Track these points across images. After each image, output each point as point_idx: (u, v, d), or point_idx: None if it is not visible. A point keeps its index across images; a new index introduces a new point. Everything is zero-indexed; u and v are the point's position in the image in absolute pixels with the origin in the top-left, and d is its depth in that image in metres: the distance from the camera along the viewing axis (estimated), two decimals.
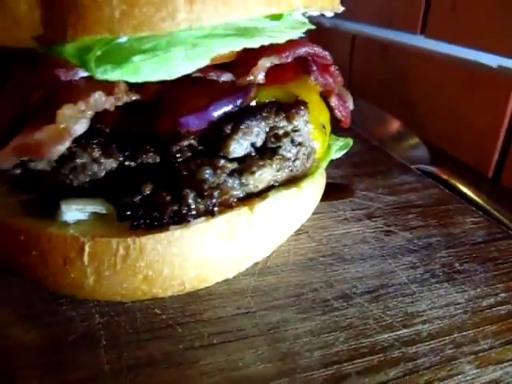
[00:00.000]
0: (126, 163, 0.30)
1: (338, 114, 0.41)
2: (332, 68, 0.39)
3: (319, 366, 0.28)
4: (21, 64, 0.32)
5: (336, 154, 0.41)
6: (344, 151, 0.42)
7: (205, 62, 0.28)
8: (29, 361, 0.28)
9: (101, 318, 0.31)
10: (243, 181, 0.32)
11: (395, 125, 0.67)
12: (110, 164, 0.30)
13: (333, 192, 0.44)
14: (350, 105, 0.43)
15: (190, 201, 0.30)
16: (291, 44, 0.34)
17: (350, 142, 0.42)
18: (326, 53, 0.37)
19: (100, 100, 0.27)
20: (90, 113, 0.27)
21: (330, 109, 0.41)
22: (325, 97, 0.40)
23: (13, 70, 0.34)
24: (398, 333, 0.31)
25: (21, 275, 0.33)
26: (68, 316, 0.31)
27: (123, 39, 0.23)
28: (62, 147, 0.27)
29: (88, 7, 0.22)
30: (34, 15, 0.23)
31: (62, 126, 0.26)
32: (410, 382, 0.27)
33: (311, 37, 0.38)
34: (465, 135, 0.63)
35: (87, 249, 0.29)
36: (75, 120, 0.27)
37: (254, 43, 0.30)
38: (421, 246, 0.40)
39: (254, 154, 0.32)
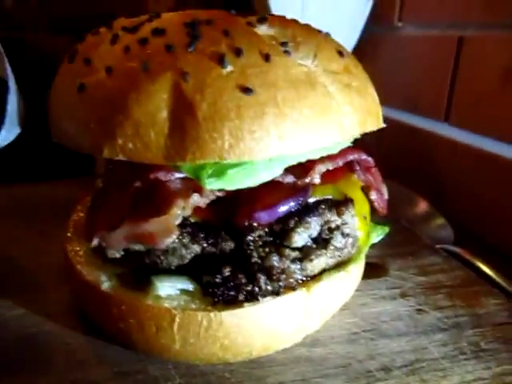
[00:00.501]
0: (208, 248, 0.37)
1: (376, 205, 0.48)
2: (373, 169, 0.46)
3: None
4: (122, 164, 0.40)
5: (375, 239, 0.47)
6: (381, 237, 0.48)
7: (279, 171, 0.36)
8: None
9: (180, 378, 0.37)
10: (303, 266, 0.38)
11: (423, 205, 0.73)
12: (196, 249, 0.37)
13: (369, 271, 0.50)
14: (386, 196, 0.50)
15: (261, 283, 0.36)
16: (342, 151, 0.42)
17: (387, 229, 0.49)
18: (369, 158, 0.45)
19: (197, 200, 0.35)
20: (188, 210, 0.35)
21: (369, 200, 0.48)
22: (365, 191, 0.48)
23: (114, 169, 0.42)
24: None
25: (114, 338, 0.39)
26: (153, 375, 0.37)
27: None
28: (171, 239, 0.34)
29: (206, 140, 0.30)
30: (160, 141, 0.31)
31: (172, 220, 0.33)
32: None
33: None
34: (489, 217, 0.69)
35: (177, 320, 0.35)
36: (177, 216, 0.34)
37: (316, 156, 0.37)
38: (450, 324, 0.45)
39: (311, 244, 0.39)
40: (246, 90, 0.30)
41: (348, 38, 1.00)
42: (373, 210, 0.48)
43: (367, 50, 0.99)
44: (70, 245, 0.43)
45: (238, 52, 0.31)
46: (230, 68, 0.31)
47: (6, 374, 0.37)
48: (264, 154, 0.31)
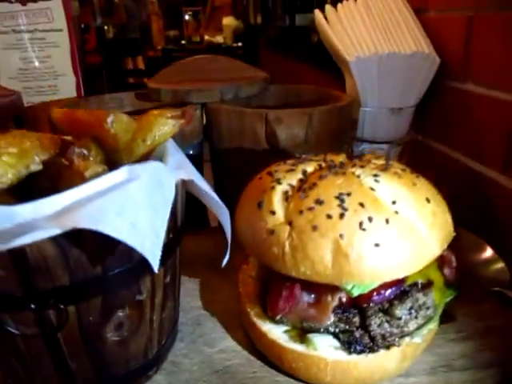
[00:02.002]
0: (343, 319, 0.61)
1: (448, 277, 0.69)
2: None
3: None
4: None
5: (447, 300, 0.69)
6: (451, 297, 0.70)
7: None
8: None
9: None
10: (403, 329, 0.61)
11: (488, 251, 0.91)
12: (336, 320, 0.61)
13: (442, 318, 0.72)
14: (454, 264, 0.71)
15: (378, 341, 0.60)
16: None
17: (456, 292, 0.70)
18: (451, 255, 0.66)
19: (342, 296, 0.59)
20: (336, 301, 0.59)
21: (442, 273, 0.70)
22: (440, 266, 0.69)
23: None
24: None
25: (284, 371, 0.64)
26: None
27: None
28: (330, 321, 0.58)
29: (355, 274, 0.53)
30: (326, 272, 0.55)
31: (329, 308, 0.58)
32: None
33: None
34: None
35: (329, 364, 0.59)
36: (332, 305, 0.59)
37: None
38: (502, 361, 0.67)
39: (407, 314, 0.62)
40: (377, 245, 0.54)
41: (418, 94, 1.19)
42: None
43: (434, 98, 1.18)
44: (246, 305, 0.69)
45: (370, 219, 0.54)
46: (367, 231, 0.54)
47: None
48: (388, 277, 0.54)
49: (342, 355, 0.60)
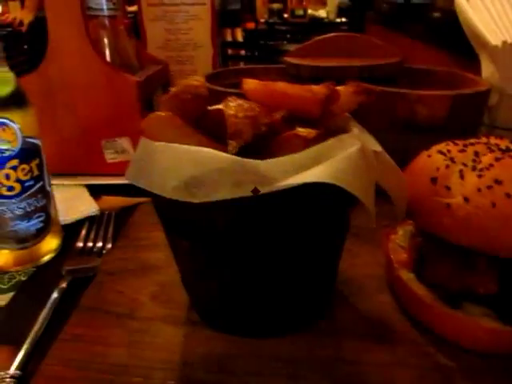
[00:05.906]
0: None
1: None
2: None
3: None
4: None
5: None
6: None
7: None
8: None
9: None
10: None
11: None
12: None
13: None
14: None
15: None
16: None
17: None
18: None
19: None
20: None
21: None
22: None
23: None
24: None
25: (433, 332, 0.70)
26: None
27: None
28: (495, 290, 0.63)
29: None
30: None
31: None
32: None
33: None
34: None
35: (486, 332, 0.65)
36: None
37: None
38: None
39: None
40: None
41: None
42: None
43: None
44: (400, 271, 0.75)
45: None
46: None
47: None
48: None
49: (499, 325, 0.65)
